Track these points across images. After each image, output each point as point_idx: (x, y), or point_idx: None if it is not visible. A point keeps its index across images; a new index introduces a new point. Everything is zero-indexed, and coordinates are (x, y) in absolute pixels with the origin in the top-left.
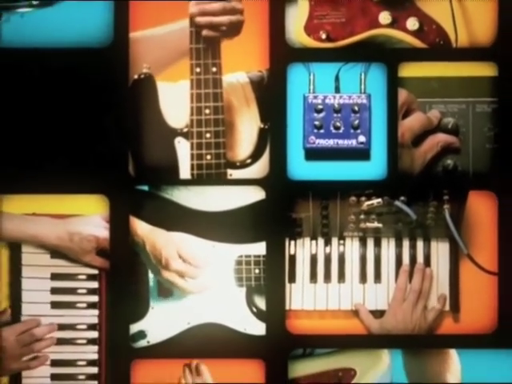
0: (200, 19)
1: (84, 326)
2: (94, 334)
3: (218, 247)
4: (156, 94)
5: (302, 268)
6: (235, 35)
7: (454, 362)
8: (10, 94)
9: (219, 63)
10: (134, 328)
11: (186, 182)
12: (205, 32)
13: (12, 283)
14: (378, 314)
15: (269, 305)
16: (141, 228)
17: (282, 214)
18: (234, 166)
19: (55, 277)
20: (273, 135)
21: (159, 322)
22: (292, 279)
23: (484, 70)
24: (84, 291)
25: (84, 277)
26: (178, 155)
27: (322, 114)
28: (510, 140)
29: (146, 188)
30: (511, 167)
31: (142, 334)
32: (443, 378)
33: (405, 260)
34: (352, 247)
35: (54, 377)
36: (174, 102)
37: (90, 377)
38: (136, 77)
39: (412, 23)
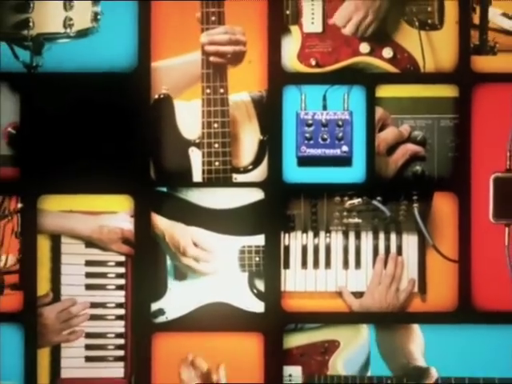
0: (209, 47)
1: (113, 305)
2: (121, 311)
3: (224, 239)
4: (173, 110)
5: (295, 256)
6: (239, 62)
7: (418, 336)
8: (52, 110)
9: (226, 85)
10: (155, 306)
11: (198, 185)
12: (212, 58)
13: (53, 269)
14: (358, 294)
15: (267, 287)
16: (160, 222)
17: (278, 211)
18: (238, 171)
19: (89, 263)
20: (270, 145)
21: (176, 301)
22: (286, 266)
23: (447, 91)
24: (113, 275)
25: (113, 263)
26: (191, 162)
27: (311, 128)
28: (467, 150)
29: (164, 189)
30: (469, 172)
31: (161, 311)
32: (409, 348)
33: (380, 250)
34: (336, 239)
35: (87, 347)
36: (188, 117)
37: (118, 347)
38: (156, 97)
39: (387, 52)
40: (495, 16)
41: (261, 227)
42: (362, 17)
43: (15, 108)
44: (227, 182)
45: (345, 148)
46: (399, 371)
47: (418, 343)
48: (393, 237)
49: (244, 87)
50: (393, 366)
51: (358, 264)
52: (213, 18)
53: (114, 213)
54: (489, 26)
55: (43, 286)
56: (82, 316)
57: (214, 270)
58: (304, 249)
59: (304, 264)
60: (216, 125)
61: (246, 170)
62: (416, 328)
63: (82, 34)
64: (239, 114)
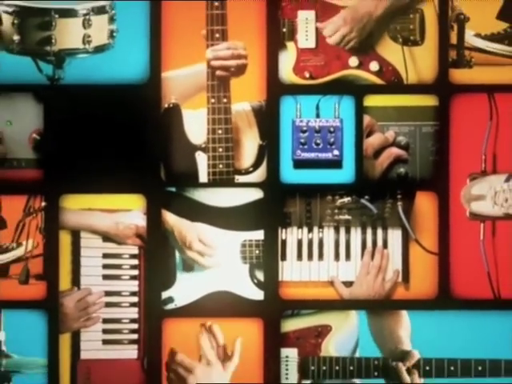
0: (214, 62)
1: (127, 293)
2: (135, 299)
3: (227, 234)
4: (181, 118)
5: (291, 249)
6: (241, 75)
7: (406, 320)
8: (72, 118)
9: (229, 95)
10: (165, 294)
11: (203, 185)
12: (218, 72)
13: (73, 261)
14: (348, 284)
15: (266, 277)
16: (170, 219)
17: (276, 209)
18: (239, 172)
19: (106, 256)
20: (269, 149)
21: (184, 290)
22: (283, 258)
23: (428, 100)
24: (127, 267)
25: (127, 256)
26: (197, 165)
27: (306, 134)
28: (446, 153)
29: (173, 189)
30: (448, 174)
31: (170, 299)
32: (397, 332)
33: (368, 243)
34: (328, 234)
35: (104, 331)
36: (195, 124)
37: (132, 331)
38: (166, 106)
39: (374, 66)
40: (469, 37)
41: (260, 223)
42: (348, 31)
43: (39, 116)
44: (230, 183)
45: (336, 152)
46: (388, 354)
47: (406, 328)
48: (379, 232)
49: (245, 97)
50: (383, 349)
51: (347, 256)
52: (217, 35)
53: (129, 210)
54: (466, 45)
55: (64, 277)
56: (98, 304)
57: (215, 264)
58: (299, 243)
59: (299, 256)
60: (220, 131)
61: (246, 172)
62: (404, 314)
63: (100, 49)
64: (241, 122)
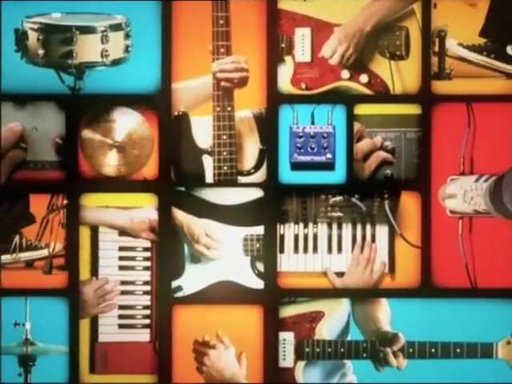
0: (219, 75)
1: (140, 282)
2: (147, 288)
3: (231, 229)
4: (189, 125)
5: (288, 243)
6: (243, 86)
7: (386, 306)
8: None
9: (232, 104)
10: (174, 283)
11: (209, 185)
12: (222, 83)
13: (92, 253)
14: (340, 274)
15: (266, 268)
16: (179, 215)
17: (275, 206)
18: (242, 174)
19: (121, 249)
20: (268, 153)
21: (191, 280)
22: (281, 251)
23: (412, 109)
24: (141, 258)
25: (141, 249)
26: (204, 167)
27: (302, 139)
28: (429, 157)
29: (183, 188)
30: (430, 175)
31: (179, 288)
32: (377, 317)
33: (358, 238)
34: (322, 229)
35: (120, 316)
36: (202, 130)
37: (145, 317)
38: (176, 113)
39: (363, 78)
40: (453, 46)
41: (260, 219)
42: (345, 49)
43: (61, 123)
44: (233, 183)
45: (329, 155)
46: (371, 335)
47: (386, 312)
48: (368, 227)
49: (247, 106)
50: (365, 331)
51: (339, 249)
52: (222, 50)
53: (142, 207)
54: (448, 54)
55: (84, 268)
56: (114, 292)
57: (220, 256)
58: (296, 237)
59: (296, 249)
60: (224, 136)
61: (248, 173)
62: (384, 300)
63: (116, 62)
64: (243, 128)
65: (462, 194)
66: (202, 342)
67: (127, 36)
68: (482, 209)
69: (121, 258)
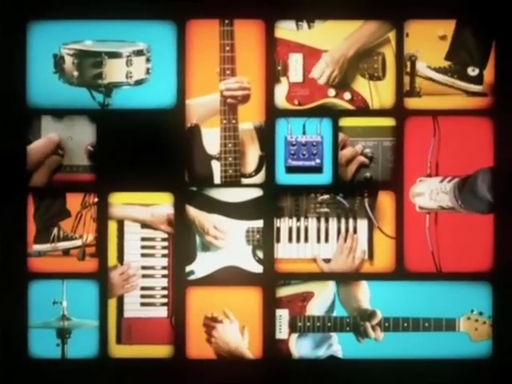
0: (225, 93)
1: (159, 267)
2: (165, 272)
3: (235, 222)
4: (200, 135)
5: (283, 234)
6: (245, 102)
7: (365, 287)
8: (118, 134)
9: (236, 117)
10: (188, 268)
11: (217, 186)
12: (228, 100)
13: (118, 243)
14: (327, 260)
15: (265, 255)
16: (192, 211)
17: (272, 204)
18: (244, 176)
19: (143, 239)
20: (267, 159)
21: (202, 265)
22: (278, 240)
23: (388, 122)
24: (159, 247)
25: (159, 239)
26: (213, 170)
27: (295, 147)
28: (401, 162)
29: (195, 188)
30: (402, 177)
31: (192, 272)
32: (358, 295)
33: (342, 230)
34: (312, 222)
35: (142, 296)
36: (211, 139)
37: (163, 296)
38: (189, 125)
39: (347, 95)
40: (422, 68)
41: (260, 214)
42: (331, 71)
43: (93, 133)
44: (237, 184)
45: (318, 161)
46: (353, 312)
47: (365, 293)
48: (350, 221)
49: (249, 119)
50: (348, 308)
51: (326, 239)
52: (228, 72)
53: (160, 204)
54: (418, 75)
55: (112, 255)
56: (136, 276)
57: (226, 245)
58: (290, 229)
59: (290, 239)
60: (230, 144)
61: (250, 176)
62: (364, 282)
63: (139, 82)
64: (246, 137)
65: (429, 192)
66: (211, 317)
67: (148, 60)
68: (445, 205)
69: (143, 247)
